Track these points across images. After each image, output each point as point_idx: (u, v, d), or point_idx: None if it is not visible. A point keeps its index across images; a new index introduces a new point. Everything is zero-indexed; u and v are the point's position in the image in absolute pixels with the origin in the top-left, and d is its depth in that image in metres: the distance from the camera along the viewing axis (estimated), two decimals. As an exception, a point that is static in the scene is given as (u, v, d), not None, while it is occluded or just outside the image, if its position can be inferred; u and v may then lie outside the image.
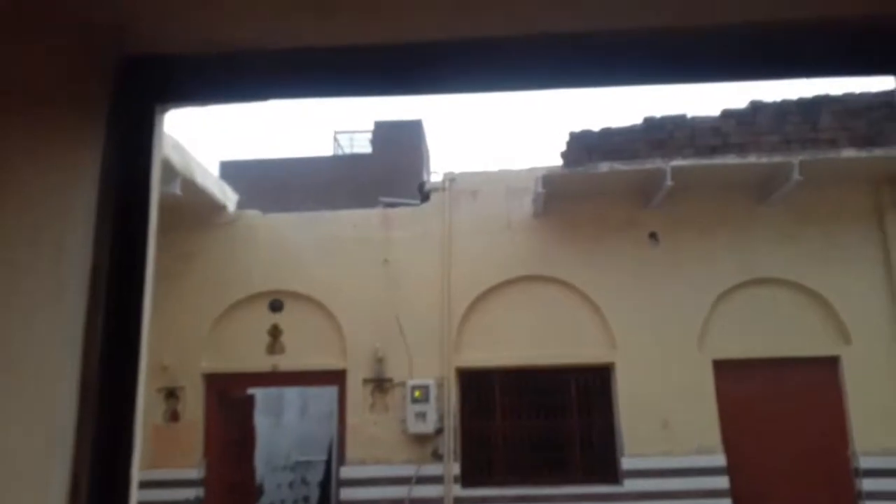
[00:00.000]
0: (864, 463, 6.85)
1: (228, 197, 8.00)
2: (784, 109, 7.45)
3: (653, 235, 7.54)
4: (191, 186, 7.15)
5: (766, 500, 6.84)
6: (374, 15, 1.24)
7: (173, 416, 7.36)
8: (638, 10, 1.23)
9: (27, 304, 1.11)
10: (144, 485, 6.94)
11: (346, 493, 7.16)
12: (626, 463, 7.01)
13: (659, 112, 7.60)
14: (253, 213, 8.09)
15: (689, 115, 7.60)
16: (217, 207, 7.83)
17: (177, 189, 6.94)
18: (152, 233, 1.32)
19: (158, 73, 1.30)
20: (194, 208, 7.61)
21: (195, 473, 7.17)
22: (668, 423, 7.01)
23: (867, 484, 6.81)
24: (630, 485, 6.93)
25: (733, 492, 6.85)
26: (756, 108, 7.52)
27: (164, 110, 1.45)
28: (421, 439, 7.17)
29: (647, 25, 1.24)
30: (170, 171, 6.81)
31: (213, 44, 1.26)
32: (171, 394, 7.40)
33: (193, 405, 7.41)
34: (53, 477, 1.11)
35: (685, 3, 1.21)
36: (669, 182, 6.94)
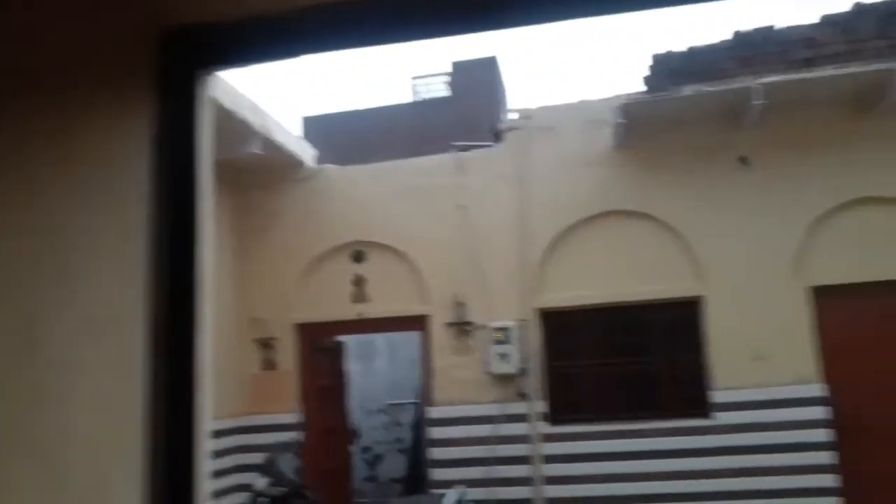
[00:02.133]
0: None
1: (307, 153, 8.17)
2: (891, 10, 6.69)
3: (743, 159, 7.07)
4: (270, 145, 7.35)
5: (871, 429, 6.47)
6: None
7: (269, 365, 7.76)
8: None
9: (101, 248, 1.24)
10: (246, 430, 7.47)
11: (434, 432, 7.38)
12: (717, 396, 6.80)
13: (747, 26, 7.02)
14: (331, 167, 8.25)
15: (781, 26, 6.99)
16: (297, 164, 8.02)
17: (256, 149, 7.16)
18: (204, 187, 1.40)
19: (197, 40, 1.37)
20: (275, 166, 7.86)
21: (292, 418, 7.57)
22: (761, 355, 6.70)
23: None
24: (721, 417, 6.74)
25: (836, 421, 6.53)
26: (857, 12, 6.80)
27: (206, 75, 1.49)
28: (505, 379, 7.23)
29: None
30: (248, 131, 7.02)
31: (245, 7, 1.32)
32: (266, 344, 7.78)
33: (287, 354, 7.78)
34: (130, 404, 1.25)
35: None
36: (759, 101, 6.45)
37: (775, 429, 6.59)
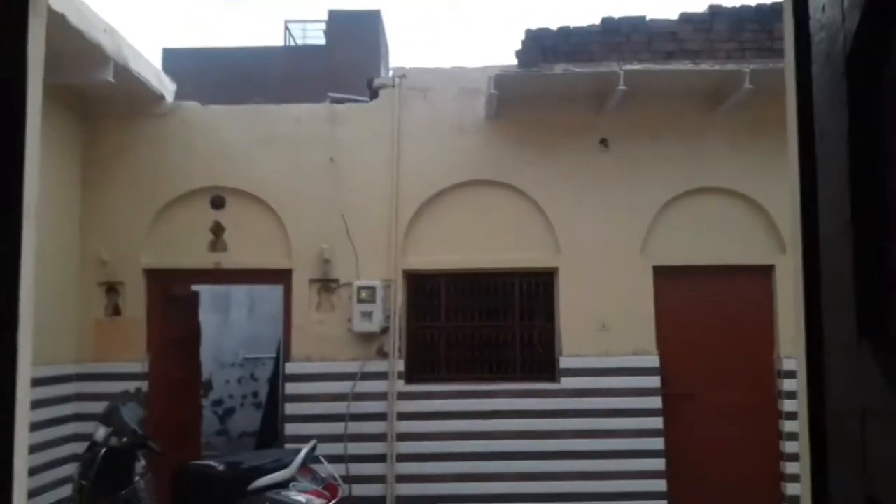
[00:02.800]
0: (787, 365, 7.21)
1: (166, 86, 7.61)
2: (742, 16, 7.30)
3: (603, 141, 7.48)
4: (125, 74, 6.80)
5: (693, 397, 7.22)
6: None
7: (115, 311, 7.28)
8: None
9: None
10: (89, 377, 7.02)
11: (291, 387, 7.30)
12: (564, 362, 7.26)
13: (618, 13, 7.37)
14: (192, 105, 7.72)
15: (648, 17, 7.41)
16: (154, 97, 7.47)
17: (109, 76, 6.62)
18: (31, 108, 1.25)
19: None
20: (129, 97, 7.29)
21: (139, 367, 7.18)
22: (606, 326, 7.23)
23: (787, 384, 7.22)
24: (567, 382, 7.22)
25: (664, 389, 7.20)
26: (714, 13, 7.36)
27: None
28: (366, 338, 7.27)
29: None
30: (101, 56, 6.47)
31: None
32: (112, 288, 7.28)
33: (135, 300, 7.32)
34: None
35: None
36: (622, 86, 6.82)
37: (614, 395, 7.14)
